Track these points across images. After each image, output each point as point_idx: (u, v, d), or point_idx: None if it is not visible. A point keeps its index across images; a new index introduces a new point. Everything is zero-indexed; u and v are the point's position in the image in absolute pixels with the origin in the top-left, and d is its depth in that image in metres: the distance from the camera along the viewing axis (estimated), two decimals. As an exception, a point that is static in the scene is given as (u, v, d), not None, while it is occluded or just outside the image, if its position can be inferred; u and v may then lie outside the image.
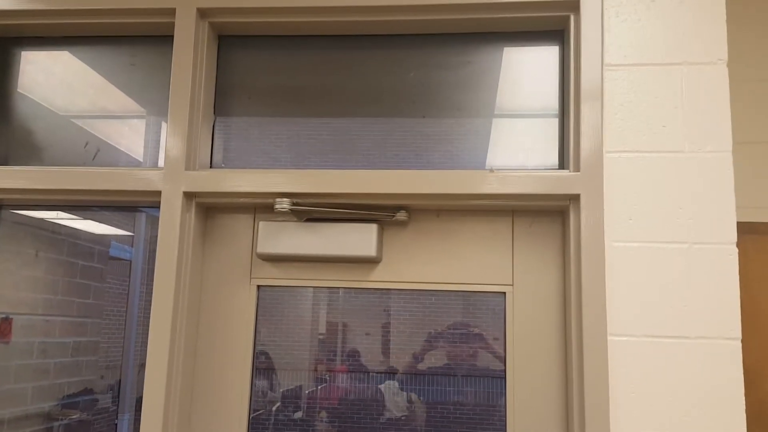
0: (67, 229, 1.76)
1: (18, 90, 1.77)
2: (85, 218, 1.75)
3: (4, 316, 1.69)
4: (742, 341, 1.35)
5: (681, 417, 1.34)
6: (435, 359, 1.58)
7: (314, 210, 1.53)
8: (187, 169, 1.56)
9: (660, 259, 1.40)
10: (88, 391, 1.70)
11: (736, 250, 1.38)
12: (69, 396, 1.69)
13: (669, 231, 1.40)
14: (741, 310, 1.37)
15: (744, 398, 1.33)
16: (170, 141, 1.56)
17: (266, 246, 1.55)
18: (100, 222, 1.76)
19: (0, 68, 1.77)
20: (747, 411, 1.32)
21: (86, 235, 1.76)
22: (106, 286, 1.75)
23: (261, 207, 1.62)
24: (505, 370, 1.52)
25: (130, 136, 1.72)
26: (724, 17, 1.47)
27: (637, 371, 1.36)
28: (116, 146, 1.72)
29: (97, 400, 1.71)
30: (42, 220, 1.75)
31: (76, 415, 1.68)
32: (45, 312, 1.71)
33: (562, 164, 1.56)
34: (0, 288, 1.71)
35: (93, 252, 1.77)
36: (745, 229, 1.97)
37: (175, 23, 1.61)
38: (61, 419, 1.68)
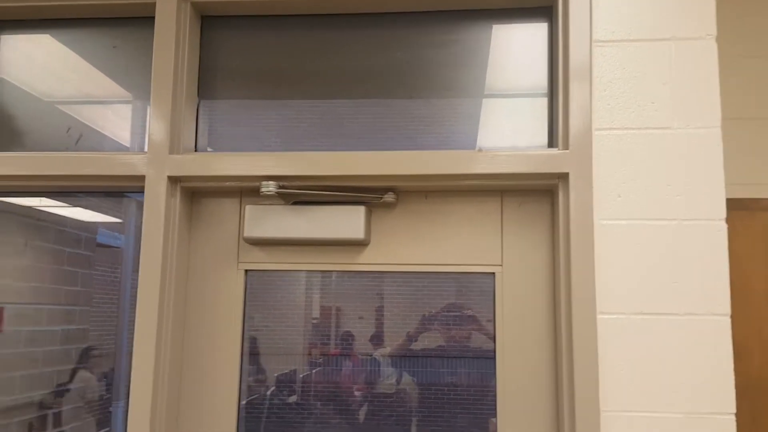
0: (56, 217, 1.73)
1: (-3, 75, 1.73)
2: (74, 206, 1.73)
3: (-5, 304, 1.68)
4: (730, 317, 1.36)
5: (671, 393, 1.34)
6: (425, 341, 1.57)
7: (301, 193, 1.51)
8: (171, 153, 1.53)
9: (649, 237, 1.39)
10: (82, 380, 1.69)
11: (725, 227, 1.38)
12: (62, 384, 1.68)
13: (658, 208, 1.40)
14: (730, 286, 1.36)
15: (733, 373, 1.33)
16: (153, 125, 1.54)
17: (253, 230, 1.53)
18: (89, 209, 1.73)
19: (-22, 53, 1.74)
20: (735, 386, 1.33)
21: (76, 223, 1.74)
22: (97, 274, 1.73)
23: (247, 190, 1.60)
24: (495, 351, 1.52)
25: (114, 120, 1.69)
26: (713, -9, 1.45)
27: (626, 349, 1.36)
28: (100, 131, 1.69)
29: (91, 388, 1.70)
30: (31, 208, 1.72)
31: (70, 404, 1.67)
32: (37, 301, 1.69)
33: (552, 143, 1.54)
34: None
35: (82, 239, 1.75)
36: (734, 206, 1.97)
37: (156, 4, 1.58)
38: (55, 408, 1.67)
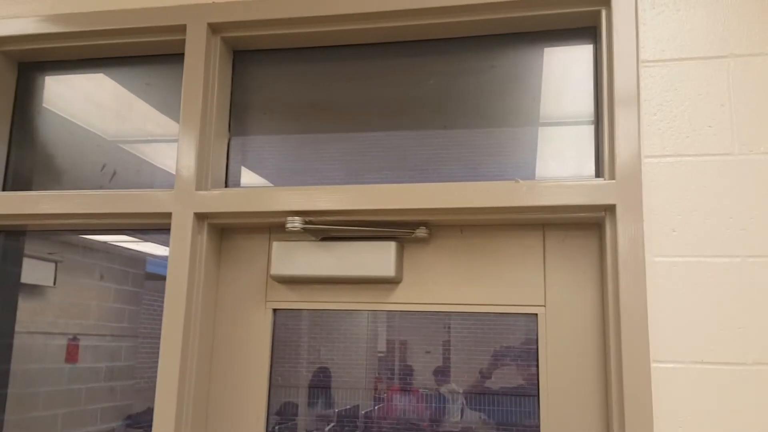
0: (128, 252, 1.73)
1: (37, 114, 1.76)
2: (145, 241, 1.72)
3: (71, 337, 1.68)
4: (809, 368, 1.18)
5: (740, 455, 1.17)
6: (460, 386, 1.45)
7: (328, 228, 1.44)
8: (198, 189, 1.50)
9: (709, 276, 1.24)
10: (150, 411, 1.67)
11: (799, 264, 1.22)
12: (132, 416, 1.66)
13: (718, 243, 1.25)
14: (807, 333, 1.20)
15: (814, 434, 1.16)
16: (181, 161, 1.51)
17: (280, 267, 1.47)
18: (159, 243, 1.72)
19: (20, 93, 1.77)
20: (818, 449, 1.15)
21: (145, 257, 1.73)
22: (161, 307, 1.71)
23: (275, 227, 1.55)
24: (538, 399, 1.38)
25: (150, 156, 1.68)
26: (776, 3, 1.31)
27: (685, 402, 1.21)
28: (138, 167, 1.68)
29: None
30: (106, 243, 1.74)
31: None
32: (110, 334, 1.69)
33: (599, 173, 1.42)
34: (66, 312, 1.70)
35: (147, 274, 1.74)
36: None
37: (186, 40, 1.57)
38: None
